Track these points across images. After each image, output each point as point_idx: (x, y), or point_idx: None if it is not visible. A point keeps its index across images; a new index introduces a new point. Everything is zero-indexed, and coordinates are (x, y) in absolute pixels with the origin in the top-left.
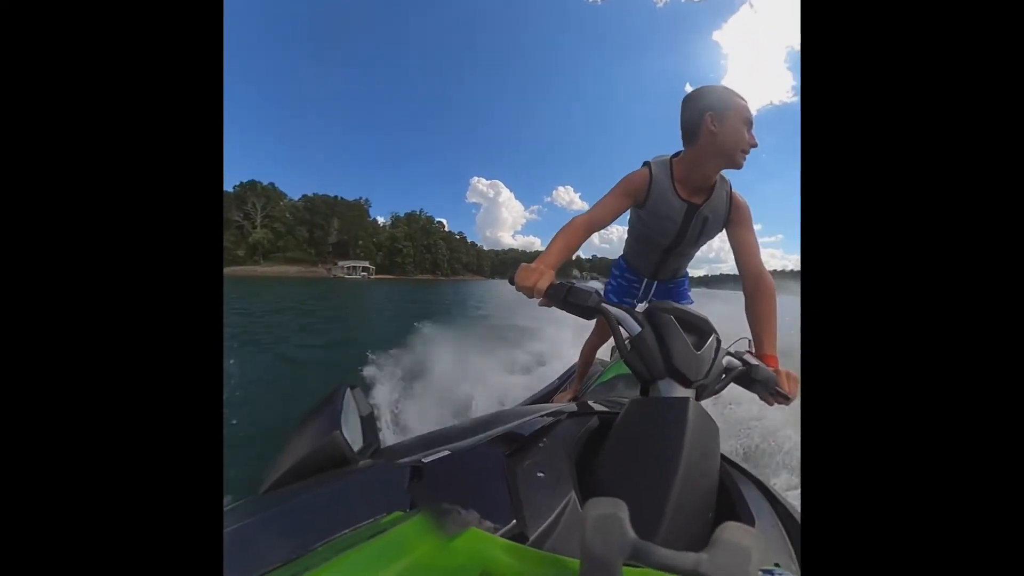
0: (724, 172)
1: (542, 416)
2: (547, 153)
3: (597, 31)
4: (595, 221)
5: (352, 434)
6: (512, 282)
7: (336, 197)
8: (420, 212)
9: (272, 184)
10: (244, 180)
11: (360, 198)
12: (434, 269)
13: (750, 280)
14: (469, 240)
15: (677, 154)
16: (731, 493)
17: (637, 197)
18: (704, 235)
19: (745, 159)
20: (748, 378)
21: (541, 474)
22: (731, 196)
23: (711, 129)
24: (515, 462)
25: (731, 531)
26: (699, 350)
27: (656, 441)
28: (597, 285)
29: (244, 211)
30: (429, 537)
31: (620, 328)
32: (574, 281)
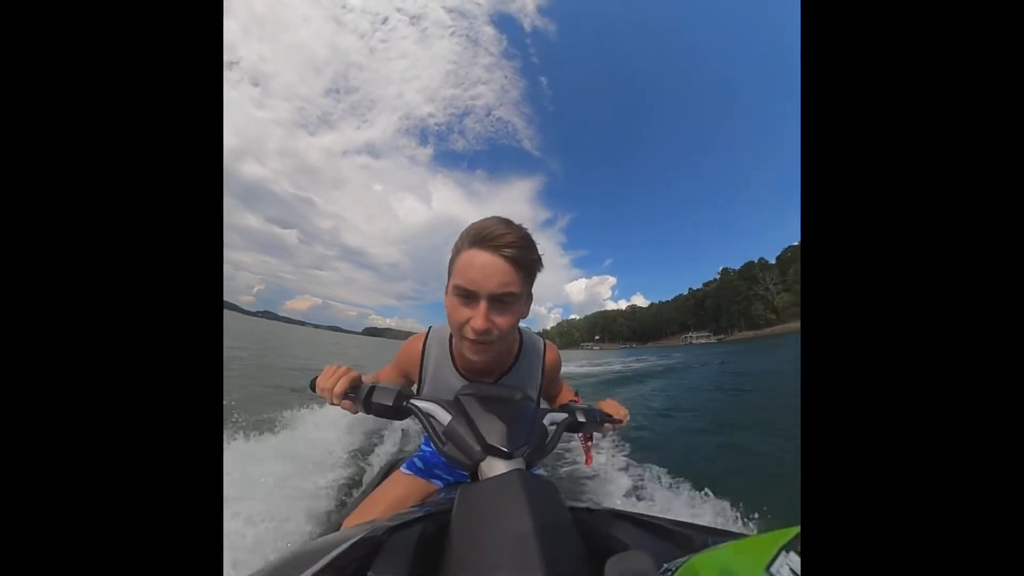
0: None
1: (354, 542)
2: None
3: None
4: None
5: None
6: (312, 388)
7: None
8: (757, 261)
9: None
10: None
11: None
12: None
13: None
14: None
15: None
16: (598, 536)
17: (410, 374)
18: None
19: (484, 350)
20: (575, 422)
21: None
22: (543, 364)
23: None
24: None
25: (619, 562)
26: (511, 421)
27: (500, 523)
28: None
29: (762, 284)
30: None
31: (432, 423)
32: (376, 383)
